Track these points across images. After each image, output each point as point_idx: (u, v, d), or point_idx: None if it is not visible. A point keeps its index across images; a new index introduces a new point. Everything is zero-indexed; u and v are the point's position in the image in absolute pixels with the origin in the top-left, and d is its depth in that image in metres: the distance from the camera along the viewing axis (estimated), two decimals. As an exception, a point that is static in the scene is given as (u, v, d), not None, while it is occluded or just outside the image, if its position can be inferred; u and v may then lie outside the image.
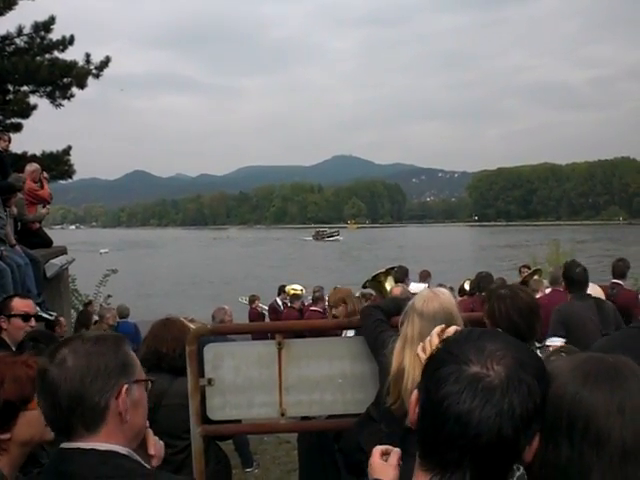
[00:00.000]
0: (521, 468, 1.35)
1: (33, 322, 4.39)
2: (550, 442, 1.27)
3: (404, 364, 2.84)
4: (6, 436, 2.21)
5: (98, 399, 1.76)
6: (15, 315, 4.27)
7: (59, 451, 1.80)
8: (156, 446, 2.02)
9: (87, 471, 1.72)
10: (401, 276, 8.52)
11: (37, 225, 9.75)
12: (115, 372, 1.80)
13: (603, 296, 6.49)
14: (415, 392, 1.32)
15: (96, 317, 12.08)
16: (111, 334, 2.01)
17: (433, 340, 2.33)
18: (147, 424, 1.97)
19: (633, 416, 1.24)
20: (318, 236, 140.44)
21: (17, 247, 7.57)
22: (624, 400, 1.25)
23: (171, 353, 3.95)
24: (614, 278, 8.25)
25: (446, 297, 2.92)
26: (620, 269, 8.30)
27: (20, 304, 4.34)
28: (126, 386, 1.80)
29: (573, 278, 6.20)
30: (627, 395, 1.25)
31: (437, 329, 2.39)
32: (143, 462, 1.88)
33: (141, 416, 1.88)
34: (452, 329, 2.24)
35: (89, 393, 1.76)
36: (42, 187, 9.87)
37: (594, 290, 6.40)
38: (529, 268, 12.17)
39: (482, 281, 8.26)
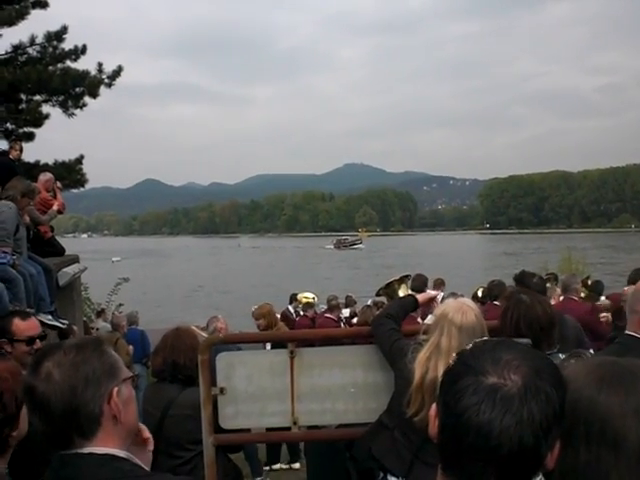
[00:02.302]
0: (540, 475, 1.35)
1: (38, 344, 4.02)
2: (568, 447, 1.27)
3: (435, 374, 2.83)
4: (15, 433, 2.22)
5: (92, 407, 1.76)
6: (18, 340, 3.93)
7: (58, 457, 1.80)
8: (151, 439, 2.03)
9: (87, 475, 1.73)
10: (420, 285, 8.37)
11: (50, 234, 9.77)
12: (104, 377, 1.80)
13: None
14: (434, 406, 1.32)
15: (108, 325, 12.13)
16: (90, 338, 2.00)
17: None
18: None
19: None
20: (339, 244, 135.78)
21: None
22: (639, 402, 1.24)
23: (188, 363, 3.94)
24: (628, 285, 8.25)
25: (477, 309, 2.94)
26: (633, 278, 8.26)
27: (22, 326, 3.97)
28: (116, 389, 1.80)
29: (531, 289, 5.61)
30: None
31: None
32: (142, 464, 1.88)
33: (132, 413, 1.88)
34: None
35: (83, 403, 1.76)
36: (55, 197, 9.89)
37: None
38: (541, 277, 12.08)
39: (494, 289, 8.19)
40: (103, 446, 1.78)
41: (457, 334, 2.83)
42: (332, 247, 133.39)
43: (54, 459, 1.83)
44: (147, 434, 2.02)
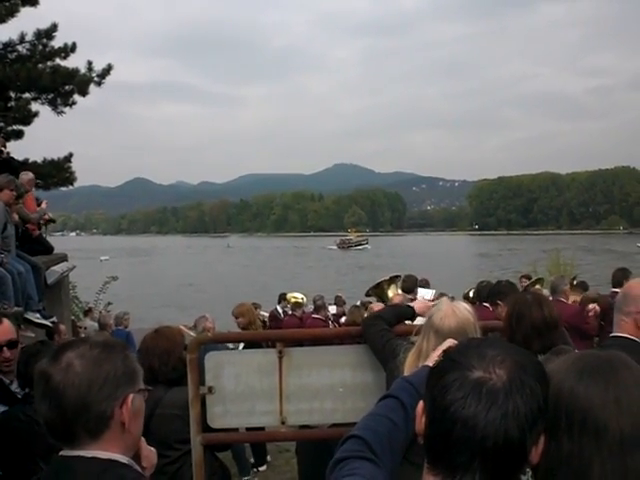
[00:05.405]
0: (528, 473, 1.37)
1: (6, 352, 3.54)
2: (552, 439, 1.30)
3: None
4: None
5: (104, 407, 1.74)
6: None
7: (59, 459, 1.77)
8: (149, 457, 1.99)
9: None
10: (410, 285, 8.35)
11: (38, 232, 9.73)
12: (122, 381, 1.77)
13: None
14: (421, 403, 1.35)
15: (95, 324, 12.11)
16: (117, 341, 1.98)
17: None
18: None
19: (629, 406, 1.28)
20: (344, 245, 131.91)
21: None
22: (619, 392, 1.29)
23: (164, 367, 3.97)
24: (613, 287, 8.28)
25: (464, 314, 2.88)
26: (617, 278, 8.30)
27: None
28: (132, 396, 1.78)
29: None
30: (622, 387, 1.30)
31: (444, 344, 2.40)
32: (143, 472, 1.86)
33: (139, 425, 1.86)
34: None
35: (96, 400, 1.73)
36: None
37: None
38: (529, 278, 12.14)
39: (483, 290, 8.24)
40: (107, 450, 1.75)
41: (434, 338, 2.80)
42: (335, 247, 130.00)
43: (54, 461, 1.80)
44: (145, 463, 1.96)
